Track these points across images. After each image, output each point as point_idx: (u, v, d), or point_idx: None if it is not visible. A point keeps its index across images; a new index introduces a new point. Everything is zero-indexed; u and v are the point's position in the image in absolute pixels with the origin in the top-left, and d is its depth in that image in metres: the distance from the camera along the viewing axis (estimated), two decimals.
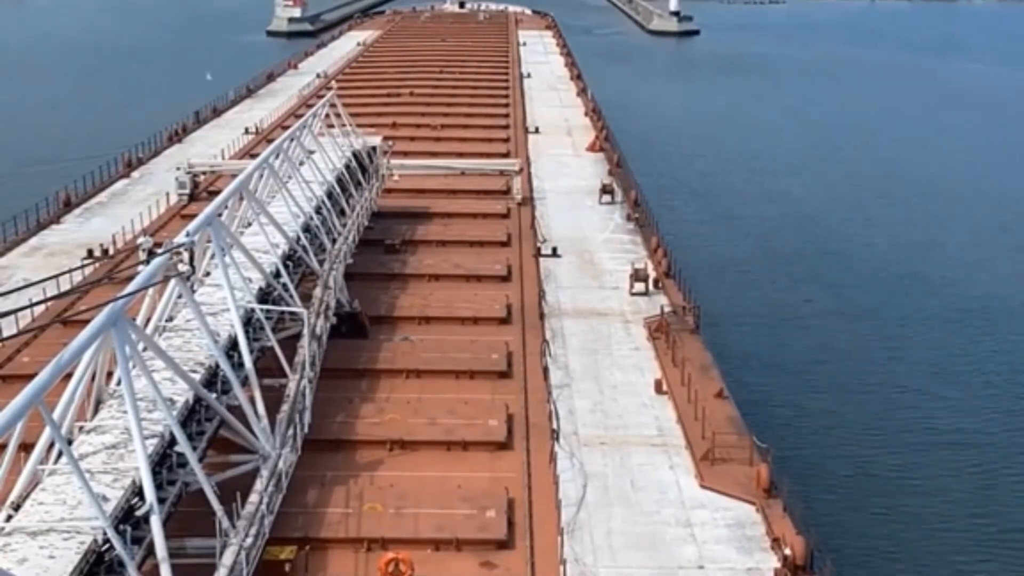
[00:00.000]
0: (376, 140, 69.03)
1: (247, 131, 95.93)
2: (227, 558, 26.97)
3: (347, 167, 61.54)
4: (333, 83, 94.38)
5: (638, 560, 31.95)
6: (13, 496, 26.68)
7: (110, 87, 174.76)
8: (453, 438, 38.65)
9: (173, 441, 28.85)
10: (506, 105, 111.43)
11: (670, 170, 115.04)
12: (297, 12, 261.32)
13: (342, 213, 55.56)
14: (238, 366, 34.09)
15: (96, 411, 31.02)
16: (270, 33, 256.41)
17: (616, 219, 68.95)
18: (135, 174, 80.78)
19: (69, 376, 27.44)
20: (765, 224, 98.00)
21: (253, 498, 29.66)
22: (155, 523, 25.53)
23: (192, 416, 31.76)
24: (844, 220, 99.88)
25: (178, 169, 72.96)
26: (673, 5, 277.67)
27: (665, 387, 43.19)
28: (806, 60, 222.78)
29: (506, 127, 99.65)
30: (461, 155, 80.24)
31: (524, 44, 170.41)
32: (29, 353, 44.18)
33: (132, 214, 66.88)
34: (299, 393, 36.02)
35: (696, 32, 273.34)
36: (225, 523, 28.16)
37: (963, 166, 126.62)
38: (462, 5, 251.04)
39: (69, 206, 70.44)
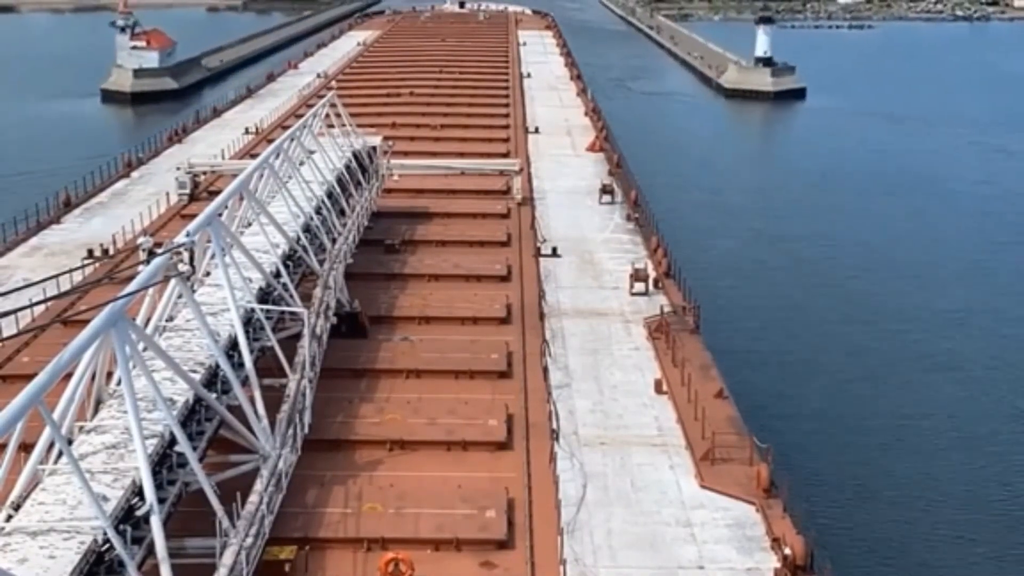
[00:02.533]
0: (376, 140, 69.00)
1: (247, 131, 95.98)
2: (227, 558, 26.96)
3: (347, 167, 61.51)
4: (333, 83, 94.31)
5: (638, 560, 31.94)
6: (13, 496, 26.66)
7: None
8: (453, 438, 38.62)
9: (173, 441, 28.84)
10: (506, 105, 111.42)
11: None
12: (153, 58, 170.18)
13: (342, 213, 55.54)
14: (238, 366, 34.08)
15: (96, 411, 31.01)
16: (107, 95, 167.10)
17: (616, 219, 68.92)
18: (135, 174, 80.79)
19: (69, 376, 27.42)
20: (766, 225, 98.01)
21: (253, 498, 29.64)
22: (155, 523, 25.52)
23: (192, 416, 31.75)
24: (844, 220, 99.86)
25: (178, 169, 72.95)
26: (761, 47, 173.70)
27: (665, 387, 43.16)
28: None
29: (506, 127, 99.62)
30: (461, 155, 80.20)
31: (524, 44, 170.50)
32: (29, 353, 44.14)
33: (132, 214, 66.87)
34: (299, 393, 36.00)
35: (800, 93, 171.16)
36: (225, 523, 28.16)
37: None
38: (462, 5, 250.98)
39: (69, 206, 70.45)
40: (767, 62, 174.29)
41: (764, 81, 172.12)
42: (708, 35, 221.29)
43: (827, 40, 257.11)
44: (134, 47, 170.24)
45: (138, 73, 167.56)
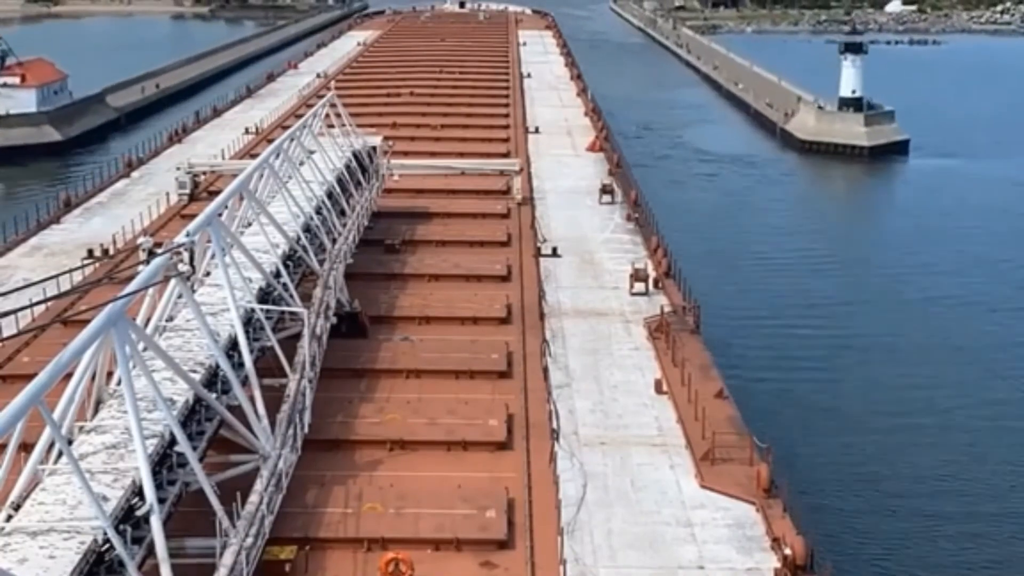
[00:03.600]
0: (376, 140, 69.00)
1: (247, 131, 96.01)
2: (227, 558, 26.96)
3: (347, 167, 61.52)
4: (333, 83, 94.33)
5: (638, 560, 31.94)
6: (13, 496, 26.65)
7: None
8: (453, 438, 38.61)
9: (173, 441, 28.84)
10: (506, 105, 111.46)
11: None
12: (28, 99, 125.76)
13: (342, 213, 55.54)
14: (238, 366, 34.08)
15: (96, 411, 31.01)
16: None
17: (616, 219, 68.95)
18: (135, 174, 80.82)
19: (69, 376, 27.42)
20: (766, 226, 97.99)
21: (253, 498, 29.64)
22: (155, 523, 25.52)
23: (192, 416, 31.73)
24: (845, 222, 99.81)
25: (178, 169, 72.98)
26: (849, 84, 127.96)
27: (665, 387, 43.16)
28: None
29: (506, 127, 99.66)
30: (461, 155, 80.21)
31: (524, 44, 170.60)
32: (29, 353, 44.13)
33: (132, 214, 66.86)
34: (299, 393, 36.00)
35: (902, 147, 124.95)
36: (225, 523, 28.15)
37: None
38: (462, 5, 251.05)
39: (69, 206, 70.47)
40: (856, 104, 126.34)
41: (855, 132, 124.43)
42: (740, 51, 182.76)
43: (890, 60, 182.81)
44: (3, 85, 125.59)
45: (5, 121, 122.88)
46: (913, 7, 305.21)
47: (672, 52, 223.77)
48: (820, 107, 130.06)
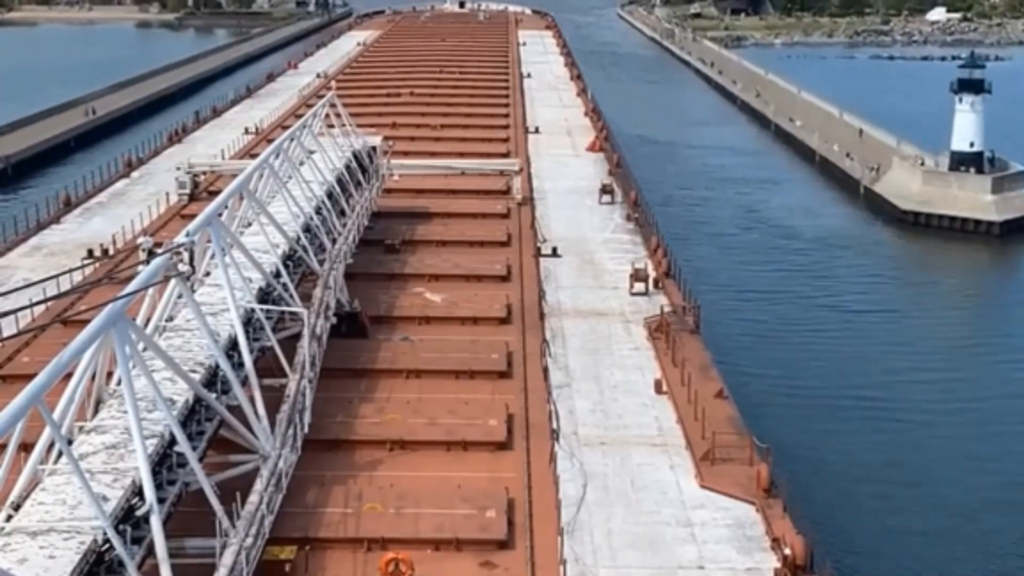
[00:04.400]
0: (376, 140, 69.03)
1: (247, 131, 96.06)
2: (227, 558, 26.96)
3: (347, 167, 61.53)
4: (333, 83, 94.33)
5: (638, 560, 31.94)
6: (13, 496, 26.66)
7: None
8: (453, 438, 38.63)
9: (173, 441, 28.85)
10: (506, 105, 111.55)
11: None
12: None
13: (342, 213, 55.55)
14: (238, 366, 34.09)
15: (96, 411, 31.01)
16: None
17: (616, 219, 68.97)
18: (135, 174, 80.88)
19: (69, 376, 27.42)
20: (765, 224, 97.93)
21: (253, 498, 29.65)
22: (155, 523, 25.54)
23: (192, 416, 31.75)
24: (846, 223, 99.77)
25: (178, 169, 73.04)
26: (966, 133, 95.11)
27: (665, 387, 43.18)
28: None
29: (506, 127, 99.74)
30: (461, 155, 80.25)
31: (524, 44, 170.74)
32: (29, 353, 44.15)
33: (132, 214, 66.87)
34: (299, 393, 36.01)
35: None
36: (225, 523, 28.16)
37: None
38: (462, 5, 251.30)
39: (69, 206, 70.51)
40: (975, 161, 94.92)
41: (979, 201, 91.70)
42: (779, 70, 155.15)
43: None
44: None
45: None
46: (957, 15, 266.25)
47: (696, 71, 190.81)
48: (923, 163, 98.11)
